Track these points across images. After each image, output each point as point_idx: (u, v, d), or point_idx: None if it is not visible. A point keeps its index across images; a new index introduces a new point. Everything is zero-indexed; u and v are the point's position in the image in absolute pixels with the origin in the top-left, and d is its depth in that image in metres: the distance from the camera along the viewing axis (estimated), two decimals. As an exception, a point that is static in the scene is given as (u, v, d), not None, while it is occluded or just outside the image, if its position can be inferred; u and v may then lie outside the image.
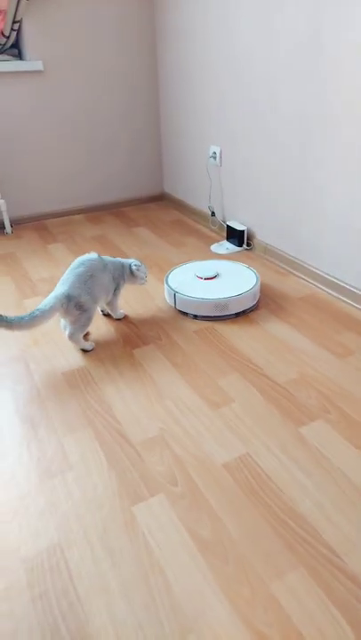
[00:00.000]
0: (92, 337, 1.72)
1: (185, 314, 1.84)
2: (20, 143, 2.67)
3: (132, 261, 1.77)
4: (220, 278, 1.93)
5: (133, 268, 1.75)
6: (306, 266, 2.08)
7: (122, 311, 1.83)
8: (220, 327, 1.77)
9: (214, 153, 2.49)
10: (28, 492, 1.12)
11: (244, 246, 2.40)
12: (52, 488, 1.13)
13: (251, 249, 2.41)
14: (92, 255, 1.63)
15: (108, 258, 1.70)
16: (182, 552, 0.98)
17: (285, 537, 1.00)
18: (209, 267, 2.01)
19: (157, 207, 3.10)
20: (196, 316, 1.82)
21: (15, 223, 2.84)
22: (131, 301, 1.95)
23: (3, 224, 2.78)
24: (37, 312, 1.46)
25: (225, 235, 2.52)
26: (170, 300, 1.90)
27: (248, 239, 2.41)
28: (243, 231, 2.37)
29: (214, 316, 1.81)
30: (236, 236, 2.42)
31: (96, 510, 1.07)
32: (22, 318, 1.44)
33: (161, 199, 3.23)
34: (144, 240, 2.58)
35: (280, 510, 1.06)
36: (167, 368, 1.55)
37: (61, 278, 1.59)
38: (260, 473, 1.15)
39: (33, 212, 2.88)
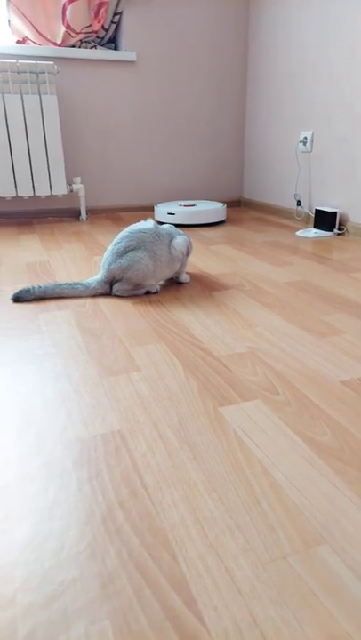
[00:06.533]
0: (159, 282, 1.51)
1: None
2: (107, 132, 2.67)
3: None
4: (196, 207, 2.45)
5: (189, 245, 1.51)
6: None
7: (187, 275, 1.52)
8: (317, 279, 1.50)
9: (305, 138, 2.34)
10: (83, 384, 0.88)
11: (335, 230, 2.15)
12: (114, 383, 0.88)
13: (343, 233, 2.16)
14: (147, 224, 1.38)
15: (168, 228, 1.45)
16: (294, 455, 0.67)
17: None
18: (192, 202, 2.57)
19: (236, 211, 2.96)
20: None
21: (91, 212, 2.79)
22: (205, 260, 1.74)
23: (79, 211, 2.73)
24: (80, 286, 1.37)
25: (312, 224, 2.30)
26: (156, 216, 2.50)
27: (340, 224, 2.17)
28: (334, 214, 2.14)
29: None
30: (325, 223, 2.19)
31: (170, 406, 0.80)
32: (59, 285, 1.36)
33: (238, 205, 3.10)
34: (224, 230, 2.41)
35: None
36: (255, 305, 1.29)
37: (106, 250, 1.39)
38: (394, 394, 0.84)
39: (109, 204, 2.83)
